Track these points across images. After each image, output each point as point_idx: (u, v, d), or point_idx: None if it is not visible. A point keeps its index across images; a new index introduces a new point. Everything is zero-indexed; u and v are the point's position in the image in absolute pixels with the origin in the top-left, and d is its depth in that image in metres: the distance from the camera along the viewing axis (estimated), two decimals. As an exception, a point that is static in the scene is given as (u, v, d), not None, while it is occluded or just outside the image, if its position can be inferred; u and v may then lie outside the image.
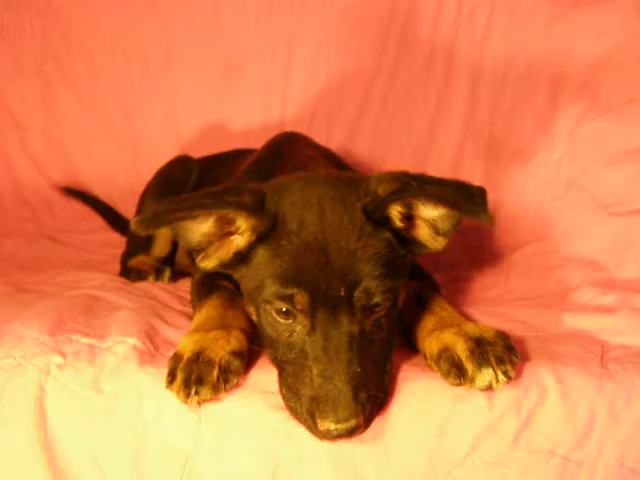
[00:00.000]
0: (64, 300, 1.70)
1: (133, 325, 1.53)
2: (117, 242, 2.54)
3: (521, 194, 1.94)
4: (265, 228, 1.35)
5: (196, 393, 1.25)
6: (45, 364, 1.39)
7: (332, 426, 1.22)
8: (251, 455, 1.31)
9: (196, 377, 1.26)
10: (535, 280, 1.80)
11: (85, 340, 1.46)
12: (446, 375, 1.31)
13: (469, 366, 1.29)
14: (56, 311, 1.58)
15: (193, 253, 1.42)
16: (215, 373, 1.27)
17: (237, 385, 1.32)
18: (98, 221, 2.86)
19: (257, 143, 1.99)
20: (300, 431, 1.28)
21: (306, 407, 1.26)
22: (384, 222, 1.37)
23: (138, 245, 2.36)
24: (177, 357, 1.31)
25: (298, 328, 1.32)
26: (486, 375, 1.28)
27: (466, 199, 1.32)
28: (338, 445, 1.28)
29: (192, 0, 2.77)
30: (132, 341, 1.45)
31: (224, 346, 1.32)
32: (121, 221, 2.81)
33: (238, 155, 2.15)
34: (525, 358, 1.39)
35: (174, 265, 2.39)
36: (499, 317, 1.66)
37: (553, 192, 1.86)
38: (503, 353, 1.30)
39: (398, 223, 1.38)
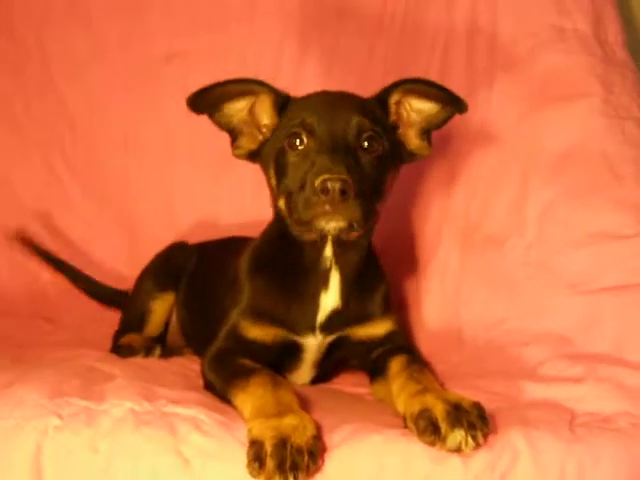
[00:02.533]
0: (61, 369, 1.75)
1: (128, 389, 1.59)
2: (111, 320, 2.59)
3: (495, 276, 2.04)
4: (283, 101, 1.80)
5: (295, 479, 1.28)
6: (43, 425, 1.43)
7: (326, 176, 1.50)
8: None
9: (291, 464, 1.29)
10: (509, 356, 1.87)
11: (82, 403, 1.50)
12: (422, 432, 1.39)
13: (443, 426, 1.37)
14: (54, 377, 1.63)
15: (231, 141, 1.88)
16: (306, 458, 1.31)
17: (321, 466, 1.36)
18: (91, 302, 2.91)
19: (251, 234, 2.09)
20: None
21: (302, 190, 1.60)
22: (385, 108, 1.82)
23: (132, 322, 2.41)
24: (258, 444, 1.33)
25: (305, 146, 1.68)
26: (457, 436, 1.36)
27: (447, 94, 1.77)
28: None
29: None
30: (128, 404, 1.50)
31: (304, 432, 1.35)
32: (111, 293, 2.87)
33: (236, 241, 2.25)
34: (499, 425, 1.46)
35: (165, 345, 2.45)
36: (475, 389, 1.73)
37: (524, 274, 1.96)
38: (476, 421, 1.38)
39: (392, 115, 1.83)
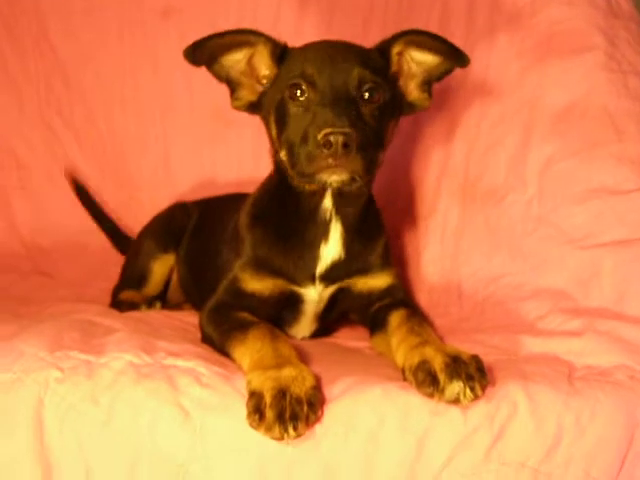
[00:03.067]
0: (61, 322, 1.75)
1: (129, 342, 1.59)
2: (110, 277, 2.60)
3: (494, 231, 2.04)
4: (281, 51, 1.78)
5: (294, 429, 1.30)
6: (44, 378, 1.43)
7: (328, 130, 1.50)
8: (242, 467, 1.36)
9: (291, 413, 1.30)
10: (508, 310, 1.88)
11: (82, 356, 1.51)
12: (420, 384, 1.40)
13: (442, 377, 1.38)
14: (54, 331, 1.64)
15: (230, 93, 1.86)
16: (305, 409, 1.32)
17: (321, 416, 1.37)
18: (90, 258, 2.92)
19: (250, 191, 2.07)
20: (290, 449, 1.34)
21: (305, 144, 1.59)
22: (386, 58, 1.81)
23: (131, 280, 2.43)
24: (257, 395, 1.34)
25: (306, 97, 1.66)
26: (455, 387, 1.37)
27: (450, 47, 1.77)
28: (323, 458, 1.35)
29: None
30: (128, 357, 1.51)
31: (303, 382, 1.37)
32: (122, 239, 2.90)
33: (236, 197, 2.24)
34: (497, 378, 1.48)
35: (165, 301, 2.46)
36: (474, 343, 1.76)
37: (524, 229, 1.95)
38: (474, 372, 1.40)
39: (393, 66, 1.83)
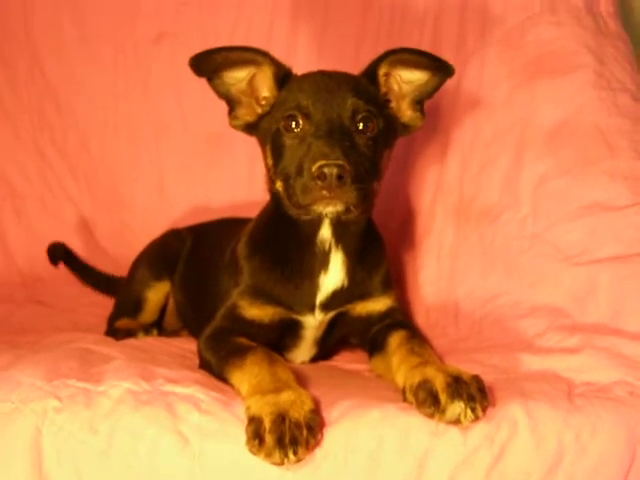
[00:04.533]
0: (58, 352, 1.74)
1: (127, 370, 1.59)
2: (105, 304, 2.60)
3: (489, 250, 2.04)
4: (284, 75, 1.78)
5: (294, 453, 1.29)
6: (42, 408, 1.43)
7: (322, 162, 1.52)
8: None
9: (290, 438, 1.30)
10: (506, 329, 1.88)
11: (80, 384, 1.50)
12: (421, 404, 1.40)
13: (443, 397, 1.38)
14: (51, 360, 1.63)
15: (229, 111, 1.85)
16: (305, 433, 1.31)
17: (320, 440, 1.36)
18: (86, 286, 2.92)
19: (244, 215, 2.10)
20: (290, 474, 1.33)
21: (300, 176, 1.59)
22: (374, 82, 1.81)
23: (126, 308, 2.42)
24: (256, 420, 1.34)
25: (302, 130, 1.67)
26: (457, 407, 1.37)
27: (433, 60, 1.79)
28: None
29: (181, 73, 2.88)
30: (126, 384, 1.50)
31: (302, 406, 1.36)
32: (107, 280, 2.88)
33: (230, 222, 2.25)
34: (497, 397, 1.47)
35: (162, 328, 2.45)
36: (474, 363, 1.76)
37: (519, 247, 1.96)
38: (475, 393, 1.39)
39: (382, 88, 1.83)
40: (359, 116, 1.70)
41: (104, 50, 3.07)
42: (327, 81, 1.75)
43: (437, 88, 1.87)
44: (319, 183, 1.53)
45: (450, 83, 2.14)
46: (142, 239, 2.66)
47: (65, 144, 3.11)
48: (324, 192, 1.55)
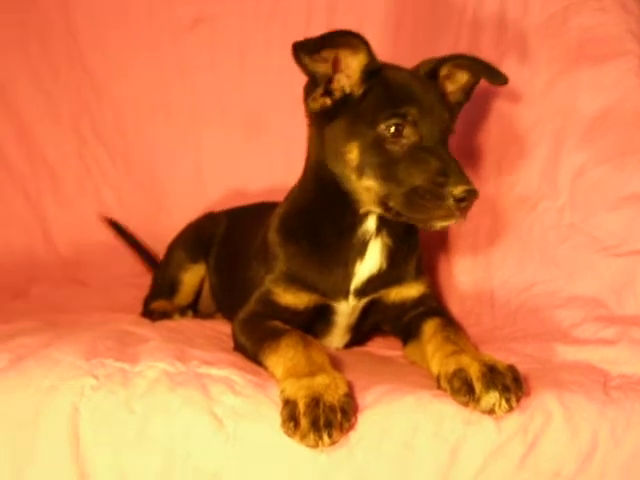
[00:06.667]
0: (96, 331, 1.78)
1: (163, 351, 1.62)
2: (141, 285, 2.64)
3: (526, 239, 2.02)
4: (374, 67, 1.73)
5: (329, 436, 1.31)
6: (80, 386, 1.46)
7: (466, 187, 1.56)
8: (275, 475, 1.37)
9: (325, 421, 1.31)
10: (541, 318, 1.86)
11: (117, 364, 1.53)
12: (456, 392, 1.41)
13: (478, 387, 1.38)
14: (89, 339, 1.66)
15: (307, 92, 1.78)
16: (339, 416, 1.33)
17: (354, 424, 1.38)
18: (123, 267, 2.97)
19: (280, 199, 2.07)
20: (324, 457, 1.35)
21: (432, 182, 1.60)
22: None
23: (162, 290, 2.46)
24: (291, 403, 1.36)
25: (408, 139, 1.67)
26: (492, 397, 1.37)
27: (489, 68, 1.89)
28: (356, 466, 1.36)
29: (219, 58, 2.95)
30: (162, 365, 1.53)
31: (336, 390, 1.38)
32: (152, 261, 2.93)
33: (266, 207, 2.24)
34: (532, 387, 1.47)
35: (197, 311, 2.48)
36: (508, 351, 1.75)
37: (557, 237, 1.93)
38: (510, 384, 1.39)
39: (440, 84, 1.86)
40: (449, 132, 1.77)
41: (142, 35, 3.09)
42: (423, 87, 1.77)
43: (473, 89, 1.95)
44: (458, 205, 1.57)
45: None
46: (178, 222, 2.68)
47: (103, 128, 3.15)
48: (457, 213, 1.59)
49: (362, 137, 1.70)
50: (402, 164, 1.65)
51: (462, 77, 1.90)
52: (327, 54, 1.69)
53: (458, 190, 1.56)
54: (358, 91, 1.74)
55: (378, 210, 1.74)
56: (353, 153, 1.71)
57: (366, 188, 1.71)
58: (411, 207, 1.64)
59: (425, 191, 1.60)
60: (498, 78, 1.88)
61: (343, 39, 1.68)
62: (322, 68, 1.71)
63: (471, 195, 1.57)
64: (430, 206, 1.60)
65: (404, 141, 1.67)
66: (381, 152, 1.68)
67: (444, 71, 1.86)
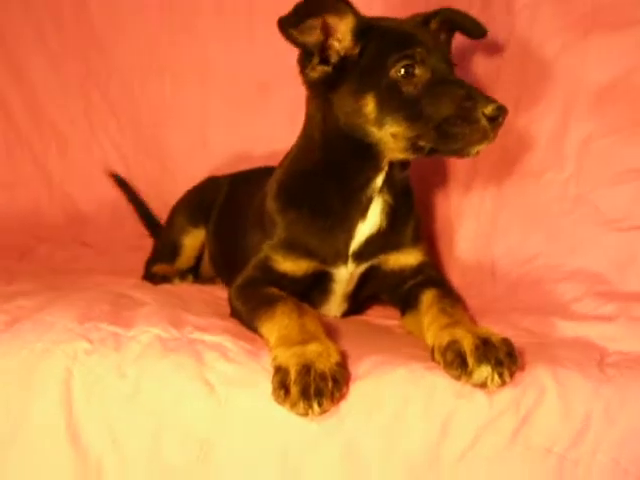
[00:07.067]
0: (92, 294, 1.79)
1: (157, 316, 1.62)
2: (145, 247, 2.65)
3: (531, 210, 1.99)
4: (363, 25, 1.72)
5: (319, 405, 1.31)
6: (73, 349, 1.47)
7: (496, 104, 1.57)
8: (265, 442, 1.37)
9: (315, 389, 1.31)
10: (542, 291, 1.84)
11: (111, 328, 1.54)
12: (449, 365, 1.40)
13: (470, 360, 1.37)
14: (84, 303, 1.68)
15: (303, 64, 1.76)
16: (330, 385, 1.33)
17: (346, 393, 1.38)
18: (128, 229, 2.98)
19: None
20: (314, 425, 1.35)
21: (461, 108, 1.60)
22: None
23: (163, 253, 2.47)
24: (283, 371, 1.36)
25: (420, 77, 1.67)
26: (484, 371, 1.36)
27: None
28: (346, 435, 1.35)
29: (228, 21, 2.90)
30: (156, 330, 1.54)
31: (328, 358, 1.38)
32: (154, 223, 2.93)
33: (265, 172, 2.20)
34: (526, 362, 1.45)
35: (198, 275, 2.48)
36: (506, 324, 1.73)
37: (561, 209, 1.90)
38: (504, 358, 1.38)
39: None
40: (453, 65, 1.79)
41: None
42: (419, 29, 1.79)
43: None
44: (490, 124, 1.58)
45: (500, 36, 2.09)
46: (182, 185, 2.67)
47: (109, 89, 3.12)
48: (492, 133, 1.60)
49: (375, 88, 1.69)
50: (423, 101, 1.65)
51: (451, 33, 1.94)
52: (313, 22, 1.68)
53: (489, 109, 1.57)
54: (354, 51, 1.72)
55: (405, 155, 1.73)
56: (369, 106, 1.69)
57: (392, 135, 1.69)
58: (445, 139, 1.64)
59: (457, 118, 1.61)
60: (478, 30, 1.93)
61: (326, 4, 1.68)
62: (312, 37, 1.70)
63: (502, 112, 1.58)
64: (465, 132, 1.60)
65: (417, 80, 1.67)
66: (398, 96, 1.67)
67: (434, 24, 1.86)
